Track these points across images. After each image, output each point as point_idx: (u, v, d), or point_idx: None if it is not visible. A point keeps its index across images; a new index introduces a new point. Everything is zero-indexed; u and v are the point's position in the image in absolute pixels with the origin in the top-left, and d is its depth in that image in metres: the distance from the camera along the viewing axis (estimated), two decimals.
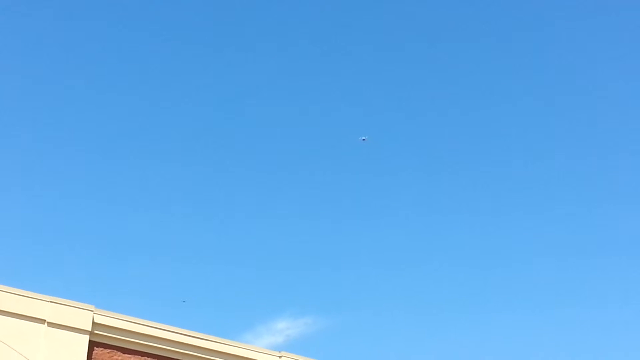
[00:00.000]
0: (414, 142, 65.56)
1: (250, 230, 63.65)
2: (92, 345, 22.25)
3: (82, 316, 22.04)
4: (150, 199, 62.25)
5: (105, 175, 62.78)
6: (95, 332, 22.30)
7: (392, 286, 65.29)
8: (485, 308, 65.43)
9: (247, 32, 62.05)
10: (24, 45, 57.98)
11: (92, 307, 22.24)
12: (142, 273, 61.24)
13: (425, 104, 64.54)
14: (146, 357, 23.20)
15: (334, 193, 64.77)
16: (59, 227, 59.83)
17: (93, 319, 22.22)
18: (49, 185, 60.33)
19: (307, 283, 64.90)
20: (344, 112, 63.74)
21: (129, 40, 61.38)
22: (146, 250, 61.76)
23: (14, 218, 58.48)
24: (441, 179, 65.10)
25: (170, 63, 62.88)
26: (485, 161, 65.32)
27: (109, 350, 22.64)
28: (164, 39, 61.27)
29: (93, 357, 22.27)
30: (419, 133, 65.68)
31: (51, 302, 21.72)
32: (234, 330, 61.18)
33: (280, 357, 25.62)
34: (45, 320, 21.53)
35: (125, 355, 22.90)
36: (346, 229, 64.31)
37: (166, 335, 23.43)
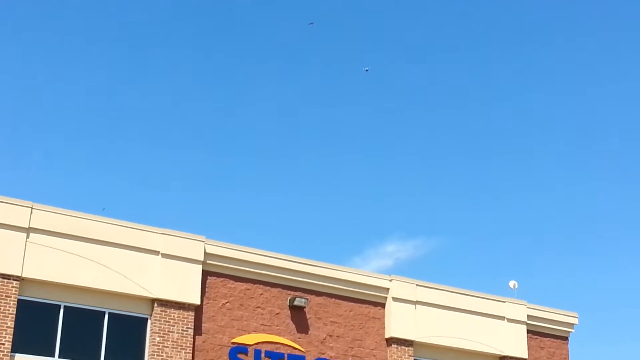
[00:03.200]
0: None
1: (355, 154, 63.47)
2: (205, 274, 22.81)
3: (194, 247, 22.55)
4: (249, 132, 62.75)
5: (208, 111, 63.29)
6: (208, 261, 22.81)
7: (502, 205, 64.44)
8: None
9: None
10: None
11: (203, 238, 22.71)
12: (249, 203, 62.15)
13: None
14: (258, 285, 23.63)
15: (448, 118, 63.73)
16: (167, 161, 61.09)
17: (205, 249, 22.70)
18: (157, 122, 61.43)
19: (416, 204, 64.53)
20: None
21: None
22: (252, 180, 62.55)
23: (127, 156, 60.04)
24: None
25: None
26: None
27: (221, 279, 23.16)
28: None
29: (207, 285, 22.81)
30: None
31: (164, 234, 22.25)
32: (343, 255, 61.56)
33: (390, 280, 25.68)
34: (159, 252, 22.11)
35: (238, 283, 23.38)
36: (454, 151, 63.45)
37: (277, 262, 23.78)
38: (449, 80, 62.80)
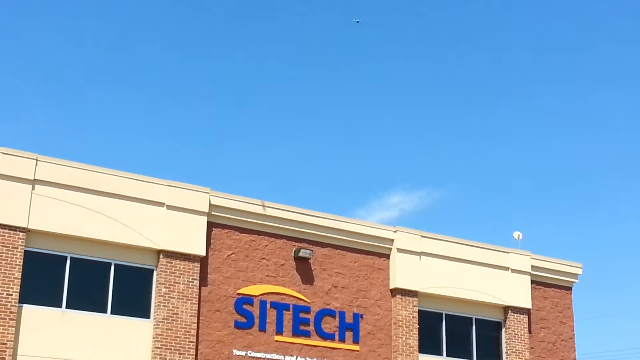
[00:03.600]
0: None
1: (360, 104, 63.26)
2: (210, 226, 22.88)
3: (199, 198, 22.60)
4: (253, 84, 62.46)
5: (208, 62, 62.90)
6: (213, 213, 22.87)
7: (506, 157, 64.38)
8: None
9: None
10: None
11: (207, 190, 22.76)
12: (254, 155, 62.08)
13: None
14: (263, 236, 23.72)
15: (460, 63, 63.19)
16: (170, 114, 61.00)
17: (210, 201, 22.75)
18: (159, 78, 61.12)
19: (420, 155, 64.44)
20: None
21: None
22: (257, 132, 62.45)
23: (132, 108, 59.94)
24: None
25: None
26: None
27: (226, 230, 23.25)
28: None
29: (212, 237, 22.91)
30: None
31: (169, 185, 22.29)
32: (348, 207, 61.74)
33: (395, 231, 25.75)
34: (164, 204, 22.16)
35: (243, 234, 23.48)
36: (458, 102, 63.15)
37: (282, 214, 23.85)
38: (451, 26, 62.36)
